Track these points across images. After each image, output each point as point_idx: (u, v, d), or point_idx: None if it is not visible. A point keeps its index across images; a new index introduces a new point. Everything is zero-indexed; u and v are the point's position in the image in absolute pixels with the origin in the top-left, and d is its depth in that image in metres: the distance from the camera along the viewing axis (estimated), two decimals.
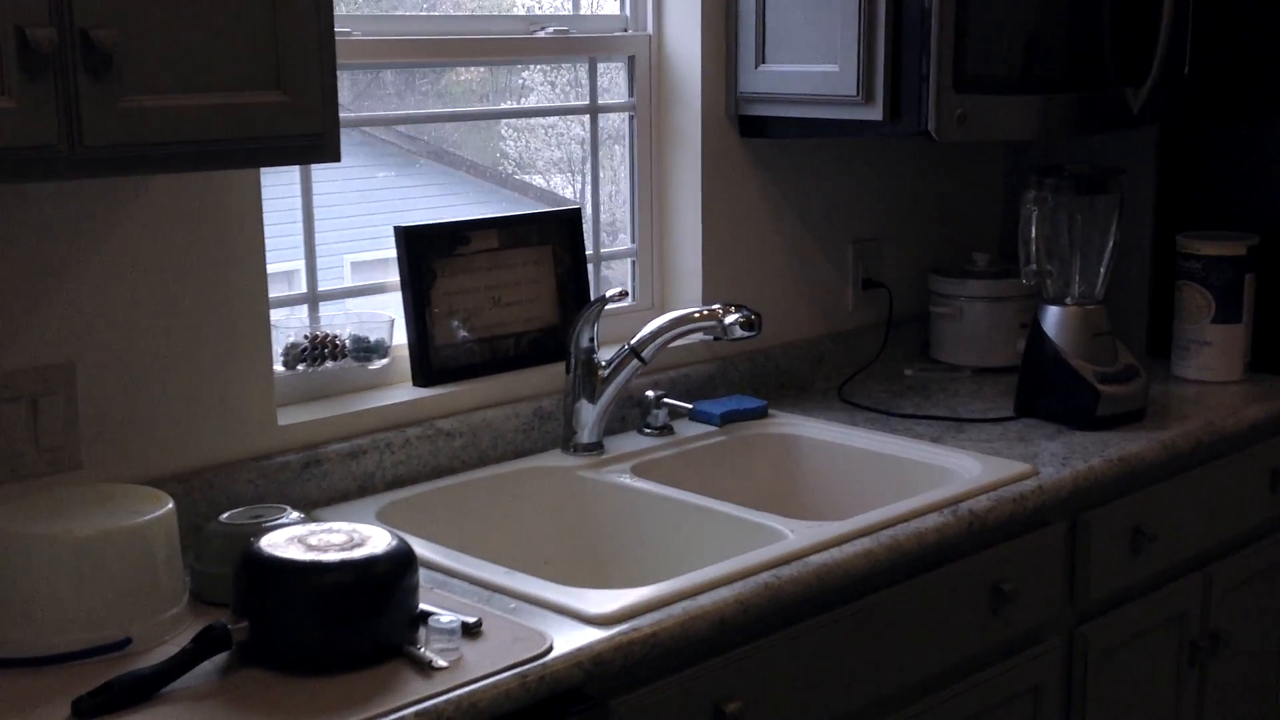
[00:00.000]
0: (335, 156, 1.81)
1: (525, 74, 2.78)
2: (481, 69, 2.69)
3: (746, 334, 2.41)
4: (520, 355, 2.59)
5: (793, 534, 2.10)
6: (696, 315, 2.44)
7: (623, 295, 2.45)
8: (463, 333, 2.50)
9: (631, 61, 2.77)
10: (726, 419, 2.65)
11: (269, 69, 1.73)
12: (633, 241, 2.84)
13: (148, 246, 2.05)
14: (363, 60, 2.37)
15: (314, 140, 1.79)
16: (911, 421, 2.69)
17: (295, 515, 1.95)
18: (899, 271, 3.15)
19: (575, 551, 2.41)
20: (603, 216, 2.80)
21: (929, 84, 2.49)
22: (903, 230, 3.17)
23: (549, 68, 2.78)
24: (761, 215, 2.87)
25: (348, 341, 2.38)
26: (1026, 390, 2.72)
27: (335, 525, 1.80)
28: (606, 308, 2.47)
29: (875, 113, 2.55)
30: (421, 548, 1.99)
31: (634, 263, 2.85)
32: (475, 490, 2.37)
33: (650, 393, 2.61)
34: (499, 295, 2.56)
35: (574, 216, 2.66)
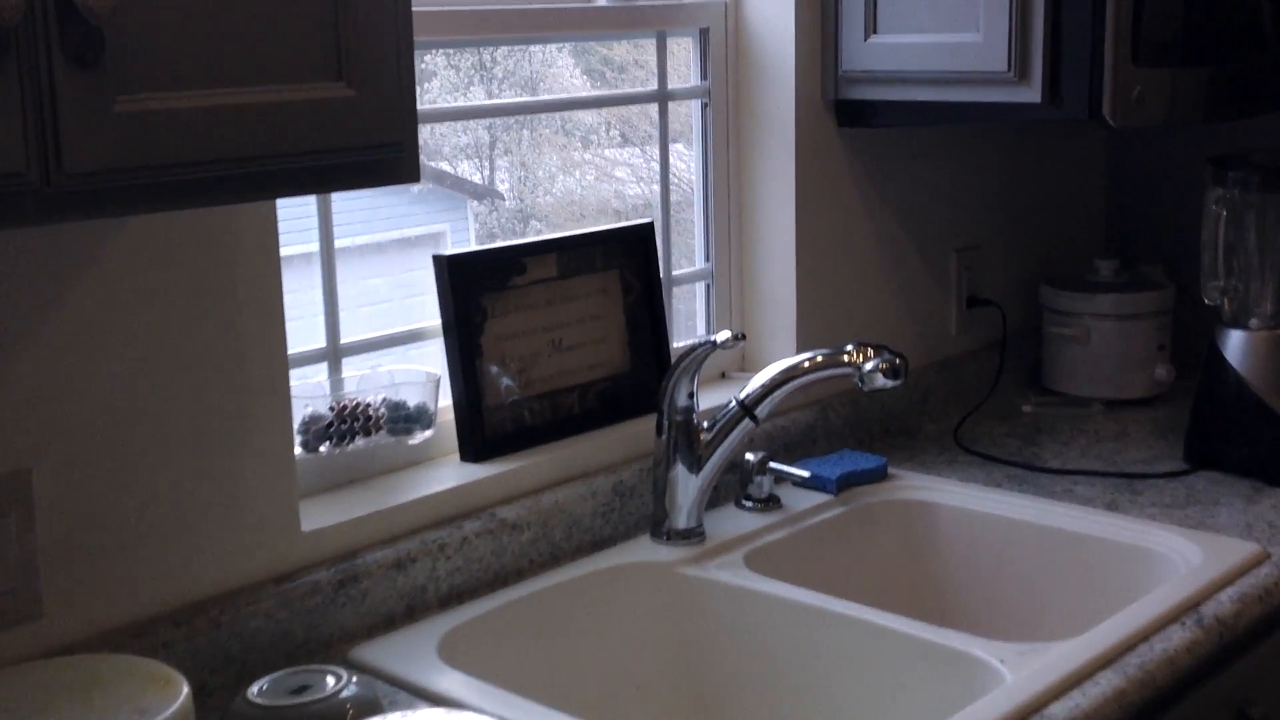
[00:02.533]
0: (415, 175, 1.25)
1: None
2: None
3: (890, 383, 1.87)
4: (587, 413, 2.03)
5: (1004, 667, 1.57)
6: (822, 360, 1.90)
7: (738, 341, 1.89)
8: (516, 390, 1.94)
9: (704, 36, 2.21)
10: (843, 484, 2.11)
11: (326, 51, 1.16)
12: (706, 260, 2.29)
13: (125, 298, 1.47)
14: None
15: (391, 152, 1.22)
16: (1066, 479, 2.17)
17: (352, 683, 1.39)
18: (1005, 284, 2.64)
19: (678, 674, 1.87)
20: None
21: (1104, 55, 1.96)
22: (1006, 235, 2.64)
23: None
24: (860, 223, 2.34)
25: (382, 410, 1.80)
26: (1202, 435, 2.21)
27: (417, 716, 1.24)
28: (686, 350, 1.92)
29: (1030, 93, 2.02)
30: (500, 705, 1.45)
31: (708, 287, 2.29)
32: (552, 602, 1.81)
33: (751, 455, 2.06)
34: (559, 338, 2.00)
35: (646, 234, 2.10)
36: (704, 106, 2.24)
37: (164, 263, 1.50)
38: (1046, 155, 2.71)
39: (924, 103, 2.14)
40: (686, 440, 1.92)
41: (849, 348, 1.88)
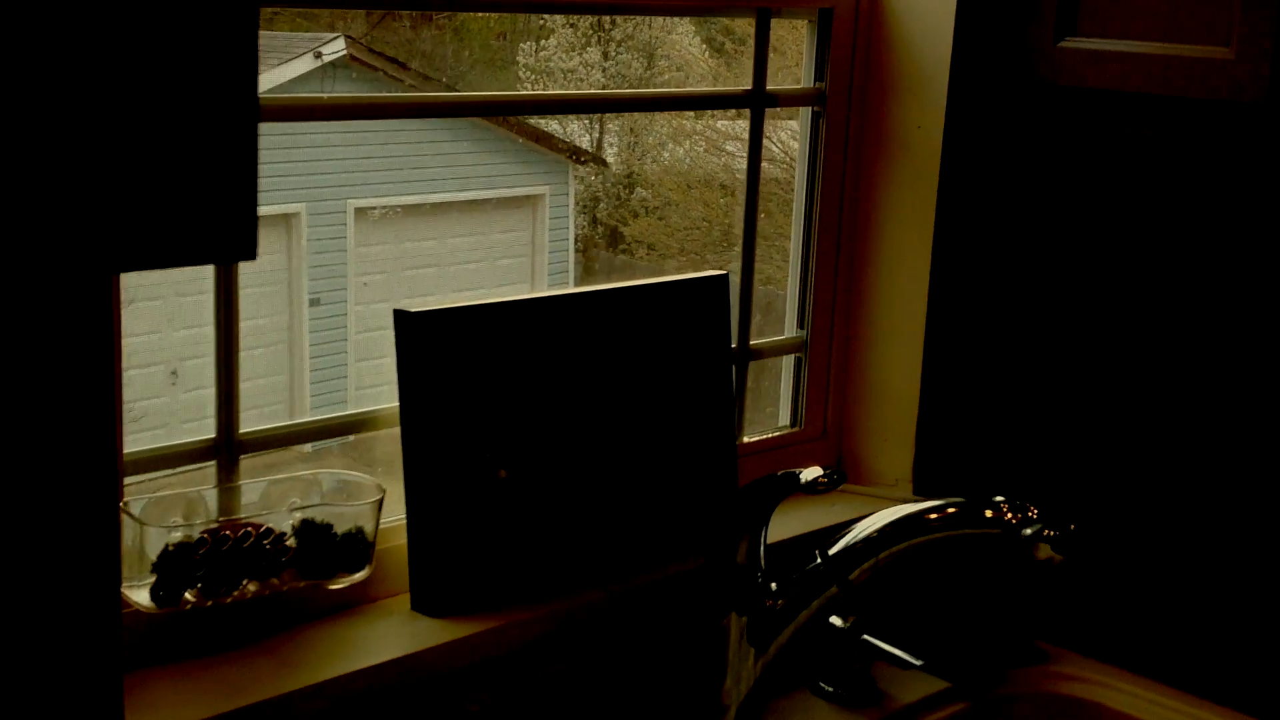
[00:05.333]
0: None
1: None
2: None
3: (1058, 557, 1.25)
4: (605, 544, 1.42)
5: None
6: (953, 515, 1.28)
7: (831, 483, 1.27)
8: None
9: (825, 19, 1.59)
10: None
11: None
12: (800, 328, 1.67)
13: None
14: None
15: None
16: None
17: None
18: None
19: None
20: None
21: None
22: None
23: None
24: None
25: (291, 537, 1.21)
26: None
27: None
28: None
29: None
30: None
31: (799, 364, 1.68)
32: None
33: (837, 620, 1.44)
34: None
35: (719, 289, 1.49)
36: (816, 116, 1.61)
37: None
38: None
39: (1132, 134, 1.50)
40: (750, 605, 1.31)
41: (998, 500, 1.26)
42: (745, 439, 1.62)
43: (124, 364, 1.11)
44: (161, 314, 5.35)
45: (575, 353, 1.37)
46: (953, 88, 1.56)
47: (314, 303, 5.68)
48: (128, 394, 1.14)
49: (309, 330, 5.17)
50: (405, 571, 1.30)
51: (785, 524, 1.53)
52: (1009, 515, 1.25)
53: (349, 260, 5.78)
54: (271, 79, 5.34)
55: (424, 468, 1.28)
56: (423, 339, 1.27)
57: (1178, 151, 1.46)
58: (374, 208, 5.73)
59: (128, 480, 1.19)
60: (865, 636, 1.44)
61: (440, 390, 1.28)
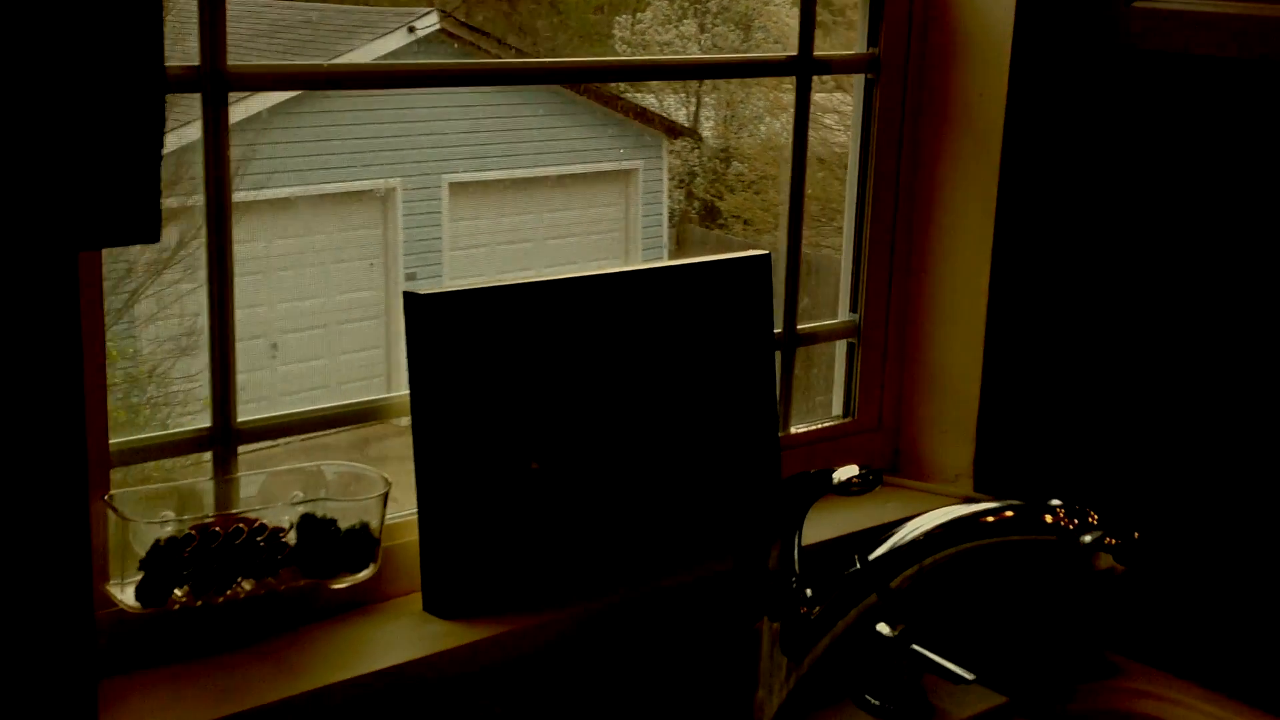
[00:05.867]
0: None
1: None
2: None
3: (1120, 567, 1.14)
4: (624, 540, 1.33)
5: None
6: (1009, 518, 1.17)
7: (866, 484, 1.17)
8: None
9: None
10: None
11: None
12: (852, 310, 1.56)
13: None
14: None
15: None
16: None
17: None
18: None
19: None
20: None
21: None
22: None
23: None
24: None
25: (291, 533, 1.14)
26: None
27: None
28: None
29: None
30: None
31: (851, 350, 1.57)
32: None
33: (885, 628, 1.34)
34: None
35: (760, 270, 1.39)
36: (869, 84, 1.51)
37: None
38: None
39: (1213, 104, 1.38)
40: (783, 612, 1.21)
41: (1055, 504, 1.15)
42: (793, 430, 1.52)
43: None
44: (263, 287, 5.36)
45: (603, 338, 1.28)
46: (1016, 51, 1.44)
47: (409, 277, 5.67)
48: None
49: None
50: (417, 569, 1.22)
51: (831, 522, 1.43)
52: (1067, 521, 1.15)
53: (444, 235, 5.75)
54: (364, 54, 5.30)
55: (436, 459, 1.20)
56: (434, 322, 1.19)
57: (1264, 120, 1.34)
58: (469, 182, 5.70)
59: (120, 472, 1.13)
60: (915, 646, 1.34)
61: (453, 377, 1.20)
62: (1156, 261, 1.43)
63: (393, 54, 5.38)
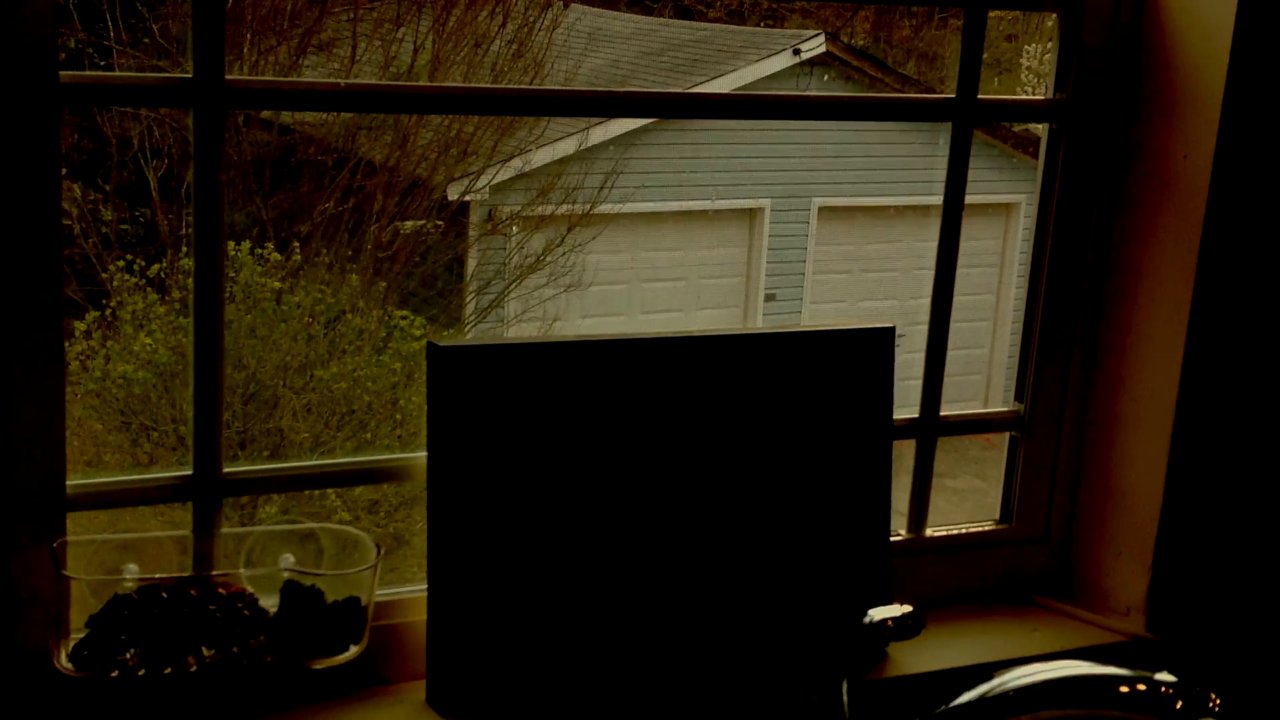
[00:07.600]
0: None
1: None
2: None
3: None
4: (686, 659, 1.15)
5: None
6: (1118, 690, 0.93)
7: (899, 629, 0.95)
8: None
9: (1073, 13, 1.25)
10: None
11: None
12: (1018, 399, 1.33)
13: None
14: None
15: None
16: None
17: None
18: None
19: None
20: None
21: None
22: None
23: None
24: None
25: (271, 599, 1.01)
26: None
27: None
28: None
29: None
30: None
31: (1013, 445, 1.34)
32: None
33: None
34: None
35: (881, 345, 1.18)
36: (1055, 133, 1.27)
37: None
38: None
39: None
40: None
41: (1171, 679, 0.91)
42: (929, 532, 1.30)
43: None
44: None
45: (671, 413, 1.11)
46: (1227, 108, 1.19)
47: (769, 298, 5.56)
48: None
49: (762, 322, 5.27)
50: (423, 654, 1.08)
51: (960, 647, 1.22)
52: (1184, 701, 0.90)
53: (808, 258, 5.63)
54: (749, 74, 5.26)
55: (452, 533, 1.05)
56: (458, 380, 1.04)
57: None
58: (838, 206, 5.57)
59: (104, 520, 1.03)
60: None
61: (482, 442, 1.05)
62: None
63: (776, 75, 5.29)
